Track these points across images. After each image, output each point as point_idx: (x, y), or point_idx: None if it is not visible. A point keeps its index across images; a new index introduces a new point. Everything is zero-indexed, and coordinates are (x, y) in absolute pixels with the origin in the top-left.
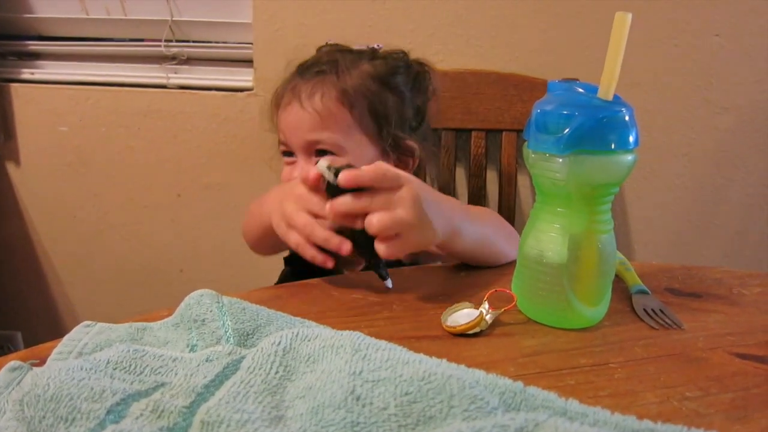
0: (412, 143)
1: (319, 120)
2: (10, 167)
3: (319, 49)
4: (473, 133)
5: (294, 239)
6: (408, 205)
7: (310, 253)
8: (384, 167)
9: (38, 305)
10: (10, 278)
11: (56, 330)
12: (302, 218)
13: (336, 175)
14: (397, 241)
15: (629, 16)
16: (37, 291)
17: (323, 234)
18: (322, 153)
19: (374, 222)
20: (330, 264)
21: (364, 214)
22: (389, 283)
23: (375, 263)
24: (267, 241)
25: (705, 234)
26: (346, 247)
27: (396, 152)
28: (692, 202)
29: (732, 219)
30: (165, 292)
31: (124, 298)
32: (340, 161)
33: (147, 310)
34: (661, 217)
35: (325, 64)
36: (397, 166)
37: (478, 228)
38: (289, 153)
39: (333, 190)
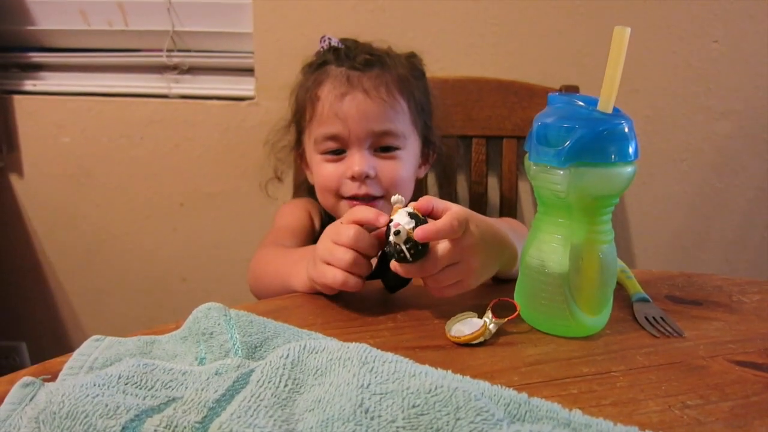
0: (435, 137)
1: (388, 110)
2: (14, 179)
3: (322, 39)
4: (474, 140)
5: (331, 273)
6: (472, 256)
7: (353, 282)
8: (454, 215)
9: (42, 316)
10: (14, 289)
11: (61, 340)
12: (340, 252)
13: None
14: (456, 287)
15: (628, 30)
16: (41, 301)
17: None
18: (386, 150)
19: (440, 279)
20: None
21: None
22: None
23: (396, 285)
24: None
25: (705, 239)
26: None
27: (427, 145)
28: (691, 207)
29: (732, 224)
30: (168, 302)
31: (127, 307)
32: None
33: (151, 319)
34: (660, 223)
35: (368, 54)
36: (422, 159)
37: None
38: (334, 150)
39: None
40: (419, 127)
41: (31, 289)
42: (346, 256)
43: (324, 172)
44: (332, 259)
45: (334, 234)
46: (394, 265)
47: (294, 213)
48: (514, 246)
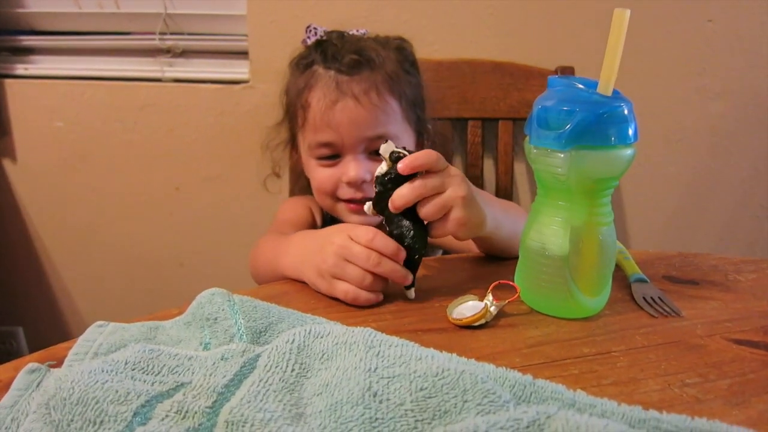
0: (429, 126)
1: (380, 115)
2: (7, 164)
3: (308, 29)
4: (470, 122)
5: (343, 289)
6: (457, 183)
7: (364, 298)
8: (433, 151)
9: (39, 301)
10: (11, 274)
11: (58, 325)
12: (351, 269)
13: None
14: (444, 219)
15: (628, 12)
16: (37, 287)
17: (388, 266)
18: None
19: (430, 205)
20: (380, 298)
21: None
22: (412, 293)
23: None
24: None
25: (700, 219)
26: (409, 277)
27: (420, 137)
28: (686, 187)
29: (726, 204)
30: (166, 286)
31: (124, 292)
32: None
33: (148, 304)
34: (655, 204)
35: (355, 53)
36: (417, 148)
37: (510, 220)
38: (329, 156)
39: (389, 182)
40: (413, 122)
41: (28, 274)
42: (366, 280)
43: (319, 176)
44: (344, 275)
45: (347, 252)
46: (391, 203)
47: (295, 209)
48: (498, 210)
